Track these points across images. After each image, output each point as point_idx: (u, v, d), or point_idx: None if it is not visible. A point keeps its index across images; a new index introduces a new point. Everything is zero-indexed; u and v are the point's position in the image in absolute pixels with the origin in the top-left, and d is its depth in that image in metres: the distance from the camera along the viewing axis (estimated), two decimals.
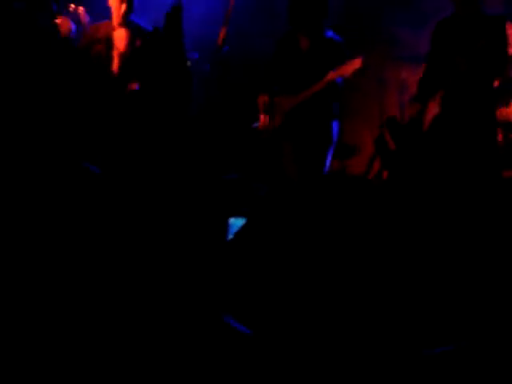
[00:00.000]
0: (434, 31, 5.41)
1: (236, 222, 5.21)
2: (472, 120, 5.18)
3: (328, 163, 5.52)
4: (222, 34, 5.50)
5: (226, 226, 3.94)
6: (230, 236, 4.50)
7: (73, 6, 5.74)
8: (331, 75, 5.28)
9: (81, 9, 5.73)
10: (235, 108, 6.80)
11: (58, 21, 5.51)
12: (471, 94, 5.19)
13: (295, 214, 5.18)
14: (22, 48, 5.19)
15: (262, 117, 5.57)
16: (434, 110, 5.23)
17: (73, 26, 5.69)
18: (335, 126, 5.51)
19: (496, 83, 6.55)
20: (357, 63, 5.22)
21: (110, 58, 5.73)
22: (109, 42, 5.75)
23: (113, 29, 5.77)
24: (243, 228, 4.72)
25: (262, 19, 7.44)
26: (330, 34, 5.44)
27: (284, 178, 5.55)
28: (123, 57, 5.72)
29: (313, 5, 5.34)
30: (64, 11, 5.64)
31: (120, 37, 5.76)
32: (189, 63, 6.53)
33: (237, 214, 5.35)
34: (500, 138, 6.53)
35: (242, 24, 6.49)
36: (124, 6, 5.69)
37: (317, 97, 5.37)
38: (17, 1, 5.18)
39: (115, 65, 5.71)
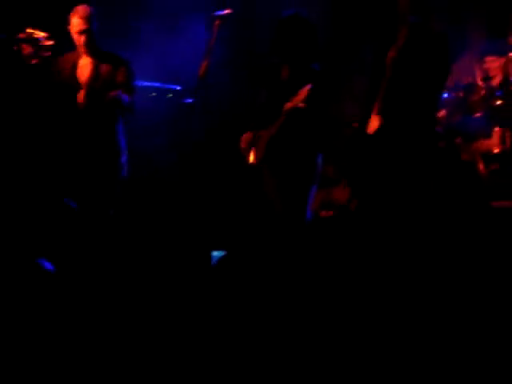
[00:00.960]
0: (392, 55, 5.37)
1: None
2: (412, 136, 5.21)
3: (312, 196, 5.50)
4: (204, 66, 5.49)
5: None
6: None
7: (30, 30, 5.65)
8: (287, 106, 5.29)
9: (42, 34, 5.65)
10: (217, 140, 6.80)
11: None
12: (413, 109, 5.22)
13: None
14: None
15: (249, 155, 5.57)
16: (375, 122, 5.21)
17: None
18: (319, 158, 5.50)
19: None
20: (303, 92, 5.22)
21: (75, 87, 5.69)
22: (74, 71, 5.73)
23: (78, 58, 5.76)
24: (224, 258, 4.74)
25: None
26: (315, 65, 5.44)
27: (268, 211, 5.52)
28: (88, 85, 5.69)
29: (300, 40, 5.37)
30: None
31: (84, 65, 5.74)
32: (170, 95, 6.58)
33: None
34: (482, 169, 6.57)
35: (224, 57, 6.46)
36: (83, 37, 5.65)
37: (299, 129, 5.36)
38: None
39: (81, 94, 5.66)
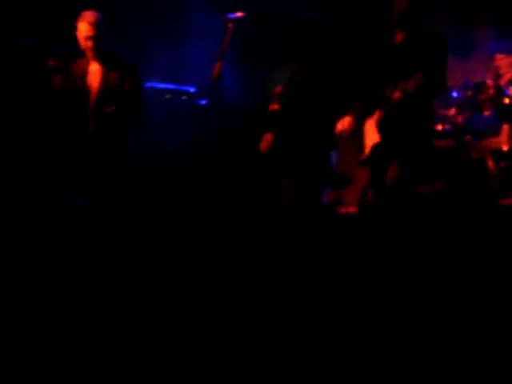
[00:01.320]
0: (368, 49, 5.43)
1: None
2: (411, 142, 5.17)
3: (325, 194, 5.58)
4: (217, 68, 5.57)
5: None
6: None
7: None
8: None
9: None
10: (232, 142, 6.88)
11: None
12: (412, 115, 5.16)
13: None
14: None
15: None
16: (374, 136, 5.25)
17: None
18: (332, 156, 5.56)
19: None
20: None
21: (86, 94, 5.78)
22: (85, 78, 5.80)
23: (88, 64, 5.83)
24: None
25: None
26: (327, 67, 5.51)
27: (280, 206, 5.59)
28: (98, 93, 5.78)
29: (314, 42, 5.41)
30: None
31: (94, 72, 5.82)
32: (184, 97, 6.64)
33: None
34: (491, 166, 6.65)
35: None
36: (90, 43, 5.72)
37: (314, 128, 5.44)
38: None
39: (91, 100, 5.77)
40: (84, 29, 5.71)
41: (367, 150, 5.29)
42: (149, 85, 6.59)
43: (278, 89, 5.53)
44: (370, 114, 5.28)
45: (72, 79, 5.81)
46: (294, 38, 5.43)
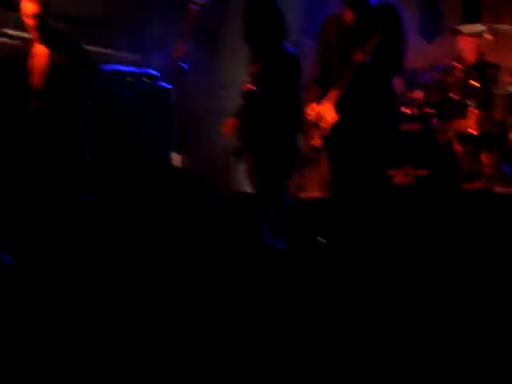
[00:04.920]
0: (322, 28, 5.14)
1: None
2: (373, 123, 4.91)
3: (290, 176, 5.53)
4: (178, 49, 5.47)
5: None
6: None
7: None
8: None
9: None
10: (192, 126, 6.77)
11: None
12: (370, 92, 4.90)
13: None
14: None
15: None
16: (330, 115, 4.95)
17: None
18: (298, 139, 5.50)
19: (399, 86, 6.49)
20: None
21: (29, 77, 5.43)
22: (27, 61, 5.46)
23: (32, 46, 5.50)
24: None
25: None
26: (285, 46, 5.44)
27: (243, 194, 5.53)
28: (42, 73, 5.43)
29: (264, 24, 5.34)
30: None
31: (38, 55, 5.48)
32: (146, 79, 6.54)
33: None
34: (460, 149, 6.60)
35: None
36: (34, 21, 5.37)
37: (279, 110, 5.37)
38: None
39: (35, 84, 5.42)
40: (27, 6, 5.36)
41: (324, 132, 5.08)
42: (109, 67, 6.47)
43: (254, 68, 5.42)
44: (324, 94, 5.08)
45: (13, 61, 5.48)
46: (247, 20, 5.38)
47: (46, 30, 5.45)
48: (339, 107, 4.89)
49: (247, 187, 5.57)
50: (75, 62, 5.48)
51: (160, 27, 6.98)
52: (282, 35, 5.43)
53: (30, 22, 5.39)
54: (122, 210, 5.59)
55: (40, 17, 5.38)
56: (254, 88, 5.38)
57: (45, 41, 5.46)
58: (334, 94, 4.90)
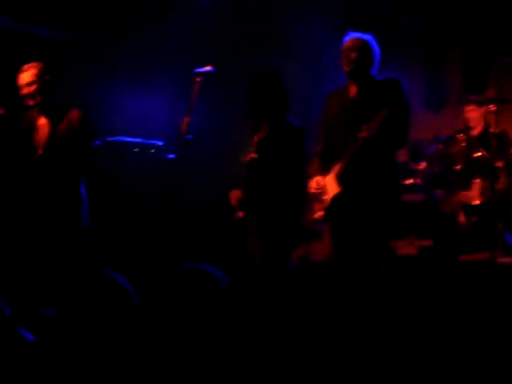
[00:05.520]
0: (325, 102, 5.18)
1: None
2: (374, 195, 4.89)
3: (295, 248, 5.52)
4: (185, 122, 5.53)
5: None
6: None
7: None
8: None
9: None
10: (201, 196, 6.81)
11: None
12: (373, 165, 4.89)
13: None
14: None
15: (239, 213, 5.55)
16: (333, 189, 4.99)
17: None
18: (302, 209, 5.50)
19: (403, 157, 6.52)
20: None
21: (34, 149, 5.48)
22: (31, 133, 5.51)
23: (35, 118, 5.53)
24: None
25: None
26: (289, 118, 5.49)
27: (247, 262, 5.50)
28: (45, 148, 5.48)
29: (268, 97, 5.40)
30: None
31: (41, 126, 5.53)
32: (153, 151, 6.60)
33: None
34: (463, 220, 6.62)
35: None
36: (30, 90, 5.41)
37: (284, 181, 5.40)
38: None
39: (38, 156, 5.46)
40: (25, 77, 5.42)
41: (326, 204, 5.05)
42: (115, 139, 6.53)
43: (257, 138, 5.45)
44: (328, 168, 5.11)
45: (18, 132, 5.52)
46: (251, 93, 5.45)
47: (46, 100, 5.49)
48: (341, 180, 4.92)
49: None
50: (76, 131, 5.50)
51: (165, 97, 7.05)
52: (286, 108, 5.50)
53: (26, 90, 5.44)
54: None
55: (38, 85, 5.43)
56: (257, 157, 5.39)
57: (45, 110, 5.50)
58: (336, 168, 4.94)
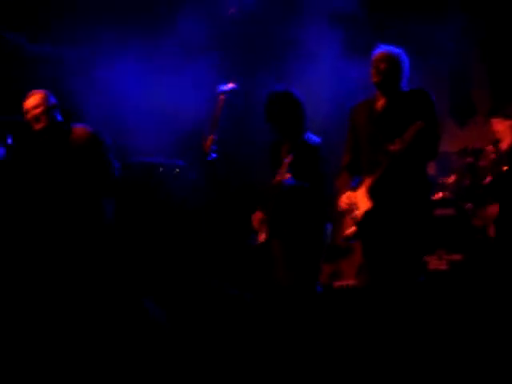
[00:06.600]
0: (351, 115, 5.11)
1: None
2: (407, 210, 4.80)
3: (320, 266, 5.44)
4: (209, 141, 5.49)
5: None
6: None
7: None
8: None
9: None
10: (223, 215, 6.76)
11: None
12: (404, 179, 4.80)
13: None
14: None
15: (259, 235, 5.50)
16: (364, 204, 4.87)
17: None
18: (328, 227, 5.44)
19: (430, 169, 6.41)
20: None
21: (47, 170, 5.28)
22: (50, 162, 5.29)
23: (45, 141, 5.30)
24: None
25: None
26: (308, 136, 5.44)
27: (273, 284, 5.44)
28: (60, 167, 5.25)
29: (286, 116, 5.39)
30: None
31: (59, 154, 5.29)
32: (177, 171, 6.57)
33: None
34: (494, 233, 6.51)
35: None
36: (40, 123, 5.21)
37: (307, 200, 5.33)
38: None
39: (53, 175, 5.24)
40: (30, 107, 5.20)
41: (357, 220, 4.92)
42: (137, 160, 6.50)
43: (287, 160, 5.34)
44: (354, 181, 5.00)
45: (28, 156, 5.33)
46: (269, 112, 5.41)
47: (54, 124, 5.25)
48: (373, 194, 4.83)
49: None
50: (93, 149, 5.28)
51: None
52: (303, 126, 5.44)
53: (36, 124, 5.23)
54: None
55: (45, 111, 5.20)
56: (286, 178, 5.30)
57: (59, 139, 5.29)
58: (367, 182, 4.86)
